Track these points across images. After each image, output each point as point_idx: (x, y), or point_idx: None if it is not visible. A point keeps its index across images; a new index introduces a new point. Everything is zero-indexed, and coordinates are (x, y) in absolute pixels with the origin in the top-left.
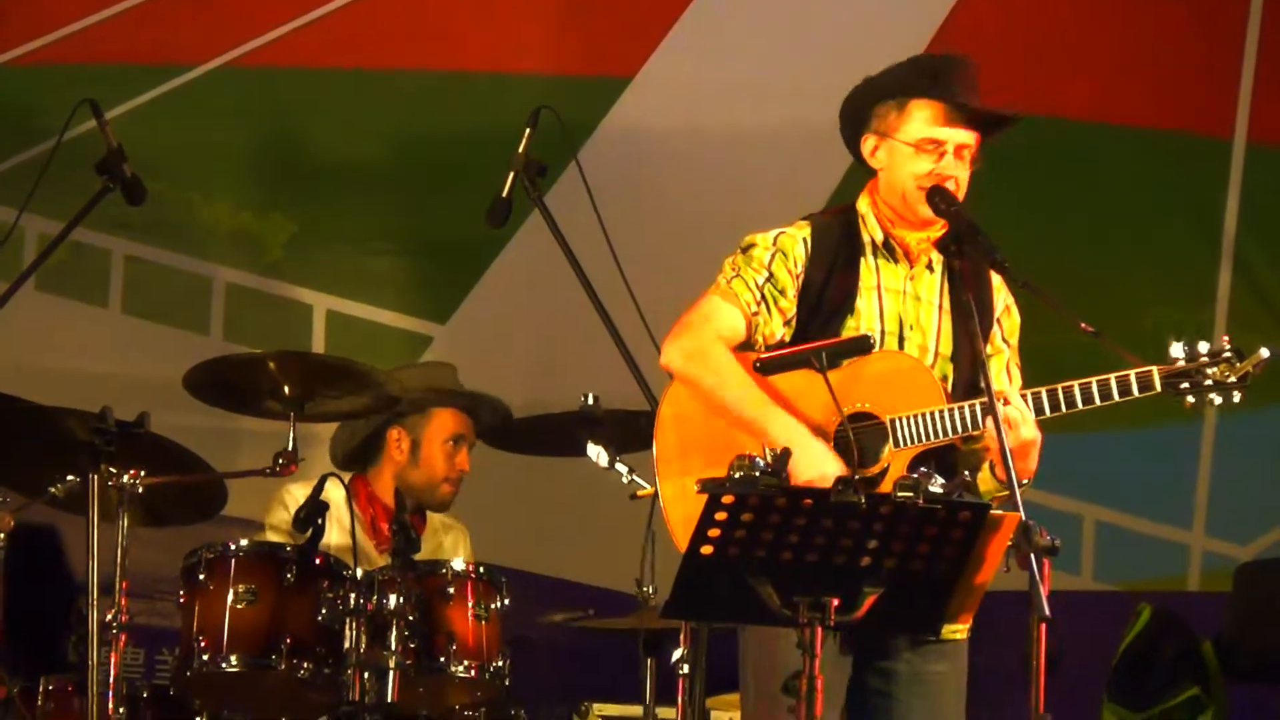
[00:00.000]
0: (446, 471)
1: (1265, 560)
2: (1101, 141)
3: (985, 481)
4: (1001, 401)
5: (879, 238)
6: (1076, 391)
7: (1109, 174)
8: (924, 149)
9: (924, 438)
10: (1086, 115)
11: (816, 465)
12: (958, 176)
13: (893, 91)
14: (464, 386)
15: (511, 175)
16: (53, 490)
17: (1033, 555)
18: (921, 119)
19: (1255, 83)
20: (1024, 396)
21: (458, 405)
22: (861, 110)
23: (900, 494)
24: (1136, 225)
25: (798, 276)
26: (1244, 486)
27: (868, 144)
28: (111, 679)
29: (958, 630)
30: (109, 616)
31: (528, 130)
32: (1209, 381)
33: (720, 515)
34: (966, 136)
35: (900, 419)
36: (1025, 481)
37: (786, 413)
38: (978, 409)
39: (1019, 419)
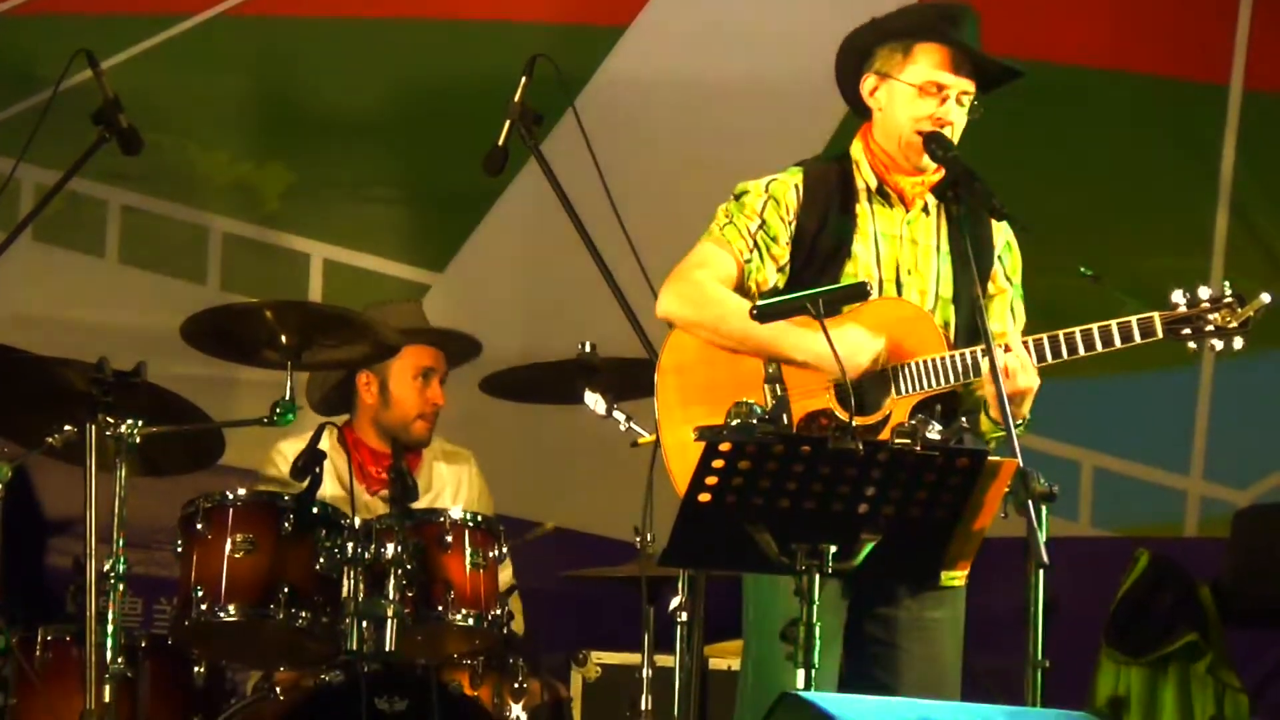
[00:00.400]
0: (420, 407)
1: (1263, 505)
2: (1097, 88)
3: (984, 422)
4: (1002, 348)
5: (873, 183)
6: (1078, 338)
7: (1106, 121)
8: (928, 92)
9: (925, 384)
10: (1083, 61)
11: (861, 349)
12: (955, 122)
13: (899, 33)
14: (428, 321)
15: (508, 124)
16: (50, 440)
17: (1030, 502)
18: (927, 62)
19: (1252, 29)
20: (1025, 344)
21: (423, 340)
22: (864, 50)
23: (898, 441)
24: (1133, 172)
25: (790, 223)
26: (1242, 432)
27: (868, 83)
28: (110, 629)
29: (955, 577)
30: (107, 566)
31: (523, 79)
32: (1210, 327)
33: (717, 463)
34: (968, 84)
35: (901, 366)
36: (1019, 423)
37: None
38: (979, 355)
39: (1018, 367)
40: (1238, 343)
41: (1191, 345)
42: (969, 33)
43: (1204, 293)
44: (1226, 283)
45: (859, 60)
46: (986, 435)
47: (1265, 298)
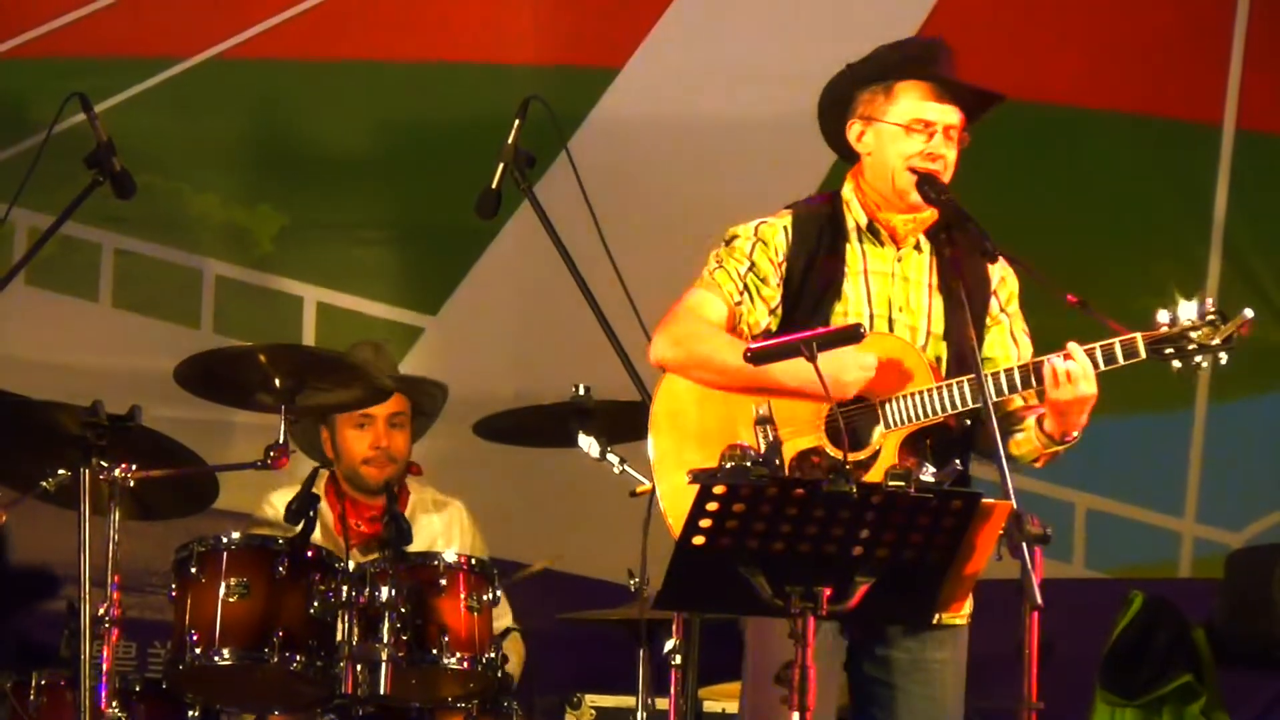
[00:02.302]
0: (363, 453)
1: (1256, 547)
2: (1091, 128)
3: (1027, 443)
4: (1062, 356)
5: (863, 221)
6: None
7: (1098, 161)
8: (914, 129)
9: (914, 418)
10: (1075, 101)
11: (851, 369)
12: (946, 156)
13: (879, 75)
14: (390, 365)
15: (501, 166)
16: (44, 484)
17: (1024, 543)
18: (910, 99)
19: (1244, 68)
20: (1012, 371)
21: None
22: (845, 97)
23: (892, 483)
24: (1126, 212)
25: (780, 265)
26: (1235, 473)
27: (853, 129)
28: (104, 673)
29: (958, 616)
30: (101, 610)
31: (516, 121)
32: (1193, 346)
33: (712, 506)
34: (953, 116)
35: (890, 400)
36: (1075, 435)
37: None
38: (965, 386)
39: (1079, 373)
40: (1224, 359)
41: (1176, 364)
42: (946, 64)
43: (1185, 310)
44: (1209, 300)
45: (841, 108)
46: (1031, 456)
47: (1248, 313)
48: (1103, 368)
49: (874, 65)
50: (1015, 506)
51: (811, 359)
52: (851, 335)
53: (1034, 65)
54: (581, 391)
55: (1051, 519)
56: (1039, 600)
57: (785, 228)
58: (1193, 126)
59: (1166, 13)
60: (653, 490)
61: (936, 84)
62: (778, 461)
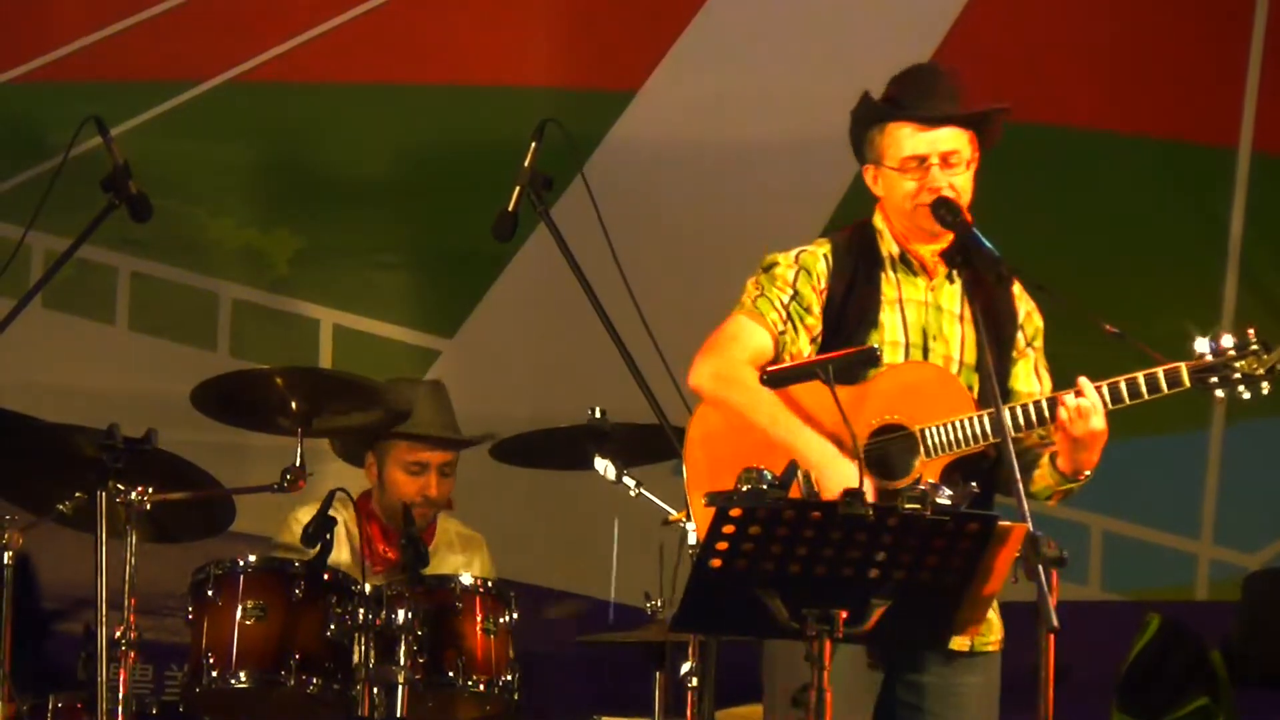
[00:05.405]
0: (410, 497)
1: (1273, 569)
2: (1106, 151)
3: (1044, 479)
4: (1074, 392)
5: (895, 252)
6: (1105, 391)
7: (1114, 183)
8: (908, 169)
9: (953, 446)
10: (1091, 124)
11: (846, 484)
12: (953, 183)
13: (874, 118)
14: (445, 407)
15: (517, 189)
16: (61, 508)
17: (1040, 566)
18: (899, 140)
19: (1260, 91)
20: (1028, 406)
21: (419, 440)
22: (858, 143)
23: (908, 506)
24: (1142, 234)
25: (821, 293)
26: (1251, 495)
27: (868, 175)
28: (120, 696)
29: (990, 644)
30: (118, 633)
31: (533, 144)
32: (1237, 375)
33: (728, 528)
34: (952, 142)
35: (929, 429)
36: (1087, 473)
37: (817, 433)
38: (1005, 414)
39: (1090, 409)
40: (1265, 388)
41: (1219, 394)
42: (934, 91)
43: (1228, 340)
44: (1251, 330)
45: (859, 154)
46: (1047, 491)
47: None
48: (1146, 397)
49: (868, 108)
50: (1031, 529)
51: (828, 381)
52: (868, 358)
53: (1048, 89)
54: (597, 414)
55: (1068, 541)
56: (1055, 622)
57: (825, 255)
58: (1209, 149)
59: (1182, 36)
60: (686, 517)
61: (921, 120)
62: (794, 484)
